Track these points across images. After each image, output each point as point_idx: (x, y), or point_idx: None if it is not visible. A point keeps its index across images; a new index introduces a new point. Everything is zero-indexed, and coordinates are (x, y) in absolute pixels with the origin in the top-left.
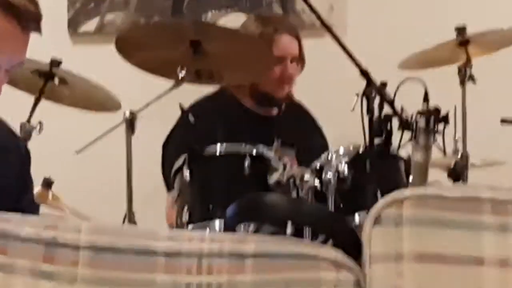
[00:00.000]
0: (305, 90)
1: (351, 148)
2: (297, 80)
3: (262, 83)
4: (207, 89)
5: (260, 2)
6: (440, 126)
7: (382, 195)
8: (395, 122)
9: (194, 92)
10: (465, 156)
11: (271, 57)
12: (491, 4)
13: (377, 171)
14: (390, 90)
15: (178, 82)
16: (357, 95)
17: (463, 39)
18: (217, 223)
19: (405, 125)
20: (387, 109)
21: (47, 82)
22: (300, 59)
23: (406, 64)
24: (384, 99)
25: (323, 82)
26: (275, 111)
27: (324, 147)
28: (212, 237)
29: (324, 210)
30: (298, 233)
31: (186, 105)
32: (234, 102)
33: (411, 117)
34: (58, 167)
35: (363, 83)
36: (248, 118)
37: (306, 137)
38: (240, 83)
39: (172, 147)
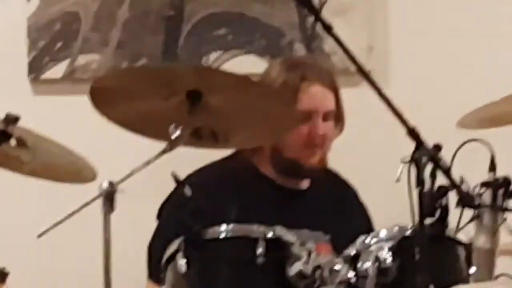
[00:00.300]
0: (335, 153)
1: (395, 230)
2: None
3: (286, 147)
4: (212, 154)
5: (277, 41)
6: (511, 202)
7: None
8: (452, 197)
9: (193, 158)
10: None
11: (294, 113)
12: None
13: (429, 259)
14: (446, 155)
15: (171, 145)
16: (404, 161)
17: None
18: None
19: (465, 200)
20: (442, 180)
21: (0, 144)
22: (338, 117)
23: (467, 122)
24: (438, 166)
25: (359, 144)
26: (304, 183)
27: (368, 231)
28: None
29: None
30: None
31: (183, 174)
32: (250, 170)
33: (474, 190)
34: (16, 255)
35: (411, 145)
36: (268, 191)
37: (345, 218)
38: (252, 146)
39: (162, 228)
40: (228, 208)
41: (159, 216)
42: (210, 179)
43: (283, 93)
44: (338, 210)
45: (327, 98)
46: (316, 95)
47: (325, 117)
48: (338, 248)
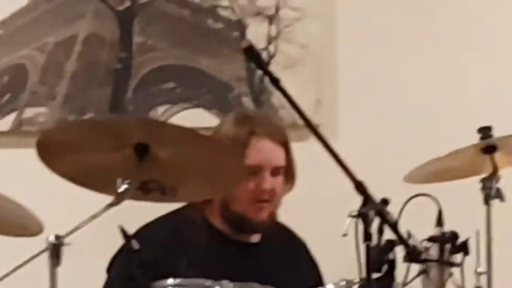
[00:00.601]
0: (283, 206)
1: (342, 284)
2: None
3: (234, 201)
4: (161, 208)
5: (225, 94)
6: (458, 257)
7: None
8: (399, 251)
9: (142, 211)
10: None
11: (242, 167)
12: None
13: None
14: (393, 210)
15: (118, 198)
16: (351, 215)
17: (488, 144)
18: None
19: (412, 255)
20: (389, 234)
21: None
22: (288, 172)
23: (414, 177)
24: (385, 221)
25: (307, 198)
26: (255, 237)
27: (318, 284)
28: None
29: None
30: None
31: (131, 227)
32: (201, 223)
33: (421, 245)
34: None
35: (358, 200)
36: (218, 244)
37: (295, 272)
38: (199, 199)
39: (111, 281)
40: (177, 262)
41: (109, 269)
42: (159, 232)
43: (231, 147)
44: (288, 264)
45: (277, 153)
46: (264, 150)
47: (274, 172)
48: None
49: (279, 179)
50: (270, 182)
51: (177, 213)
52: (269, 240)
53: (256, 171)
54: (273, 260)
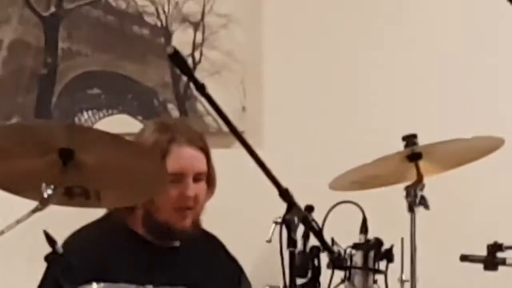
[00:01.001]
0: (207, 212)
1: None
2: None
3: (158, 210)
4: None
5: (150, 101)
6: (382, 264)
7: None
8: (324, 258)
9: (68, 216)
10: None
11: (164, 173)
12: (448, 109)
13: None
14: (318, 217)
15: (43, 203)
16: (275, 222)
17: (412, 151)
18: None
19: (336, 261)
20: (313, 241)
21: None
22: (209, 179)
23: (339, 184)
24: (309, 227)
25: (231, 204)
26: (176, 242)
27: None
28: None
29: None
30: None
31: (56, 232)
32: (124, 230)
33: (345, 252)
34: None
35: (283, 206)
36: (141, 250)
37: (216, 273)
38: (123, 205)
39: (41, 284)
40: (102, 267)
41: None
42: (85, 238)
43: (153, 153)
44: (210, 266)
45: (198, 160)
46: (185, 157)
47: (196, 179)
48: None
49: (202, 185)
50: (193, 188)
51: (102, 220)
52: (189, 243)
53: (178, 178)
54: (195, 263)
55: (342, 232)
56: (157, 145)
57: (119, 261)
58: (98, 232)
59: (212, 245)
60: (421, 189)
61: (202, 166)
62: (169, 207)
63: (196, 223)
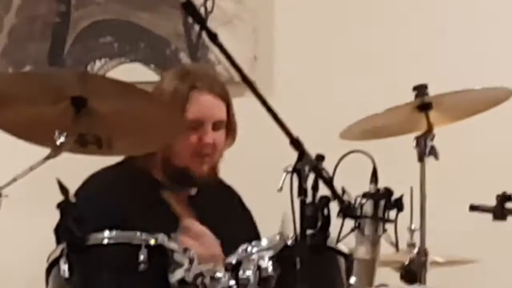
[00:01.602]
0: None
1: (276, 239)
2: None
3: (175, 155)
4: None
5: (162, 49)
6: (392, 213)
7: None
8: (334, 207)
9: (80, 164)
10: (423, 252)
11: (180, 121)
12: (459, 60)
13: (310, 269)
14: (328, 166)
15: (56, 151)
16: (286, 171)
17: (423, 102)
18: None
19: (346, 211)
20: (324, 190)
21: None
22: (229, 127)
23: (349, 134)
24: (320, 176)
25: (243, 153)
26: (193, 190)
27: (254, 233)
28: None
29: None
30: None
31: (68, 180)
32: (143, 175)
33: (355, 201)
34: None
35: (294, 155)
36: (158, 197)
37: (232, 222)
38: (135, 153)
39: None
40: (114, 214)
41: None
42: (99, 185)
43: (167, 102)
44: (226, 215)
45: (217, 108)
46: (205, 104)
47: (215, 127)
48: (227, 252)
49: (221, 133)
50: (211, 136)
51: (119, 166)
52: (206, 193)
53: (197, 125)
54: (212, 212)
55: (352, 182)
56: (177, 93)
57: (134, 207)
58: (113, 178)
59: (228, 195)
60: (431, 139)
61: (221, 114)
62: (187, 153)
63: (214, 171)
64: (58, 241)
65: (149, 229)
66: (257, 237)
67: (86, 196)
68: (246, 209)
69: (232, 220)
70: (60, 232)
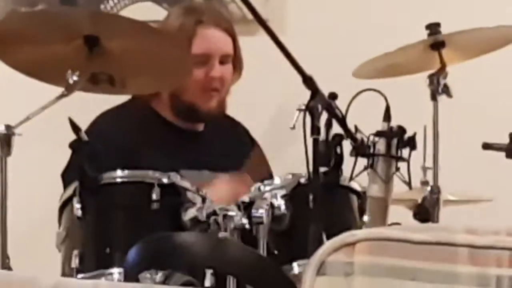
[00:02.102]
0: (233, 101)
1: (289, 177)
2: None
3: (184, 91)
4: (111, 100)
5: None
6: (405, 152)
7: (329, 238)
8: (346, 145)
9: (91, 102)
10: (436, 190)
11: (190, 58)
12: None
13: (323, 207)
14: (341, 104)
15: (69, 89)
16: (299, 109)
17: (436, 40)
18: (116, 272)
19: (359, 149)
20: (337, 128)
21: None
22: (236, 61)
23: (362, 72)
24: (333, 115)
25: (255, 92)
26: (200, 126)
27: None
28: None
29: (253, 256)
30: (219, 285)
31: (81, 119)
32: (150, 114)
33: (368, 139)
34: None
35: (306, 94)
36: (168, 134)
37: (241, 157)
38: (149, 92)
39: (66, 174)
40: (125, 152)
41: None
42: (108, 124)
43: (179, 39)
44: (233, 151)
45: (224, 42)
46: (212, 38)
47: (222, 61)
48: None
49: (228, 68)
50: (219, 70)
51: (126, 105)
52: (213, 127)
53: (204, 59)
54: (220, 147)
55: (365, 120)
56: (183, 28)
57: (144, 145)
58: (122, 117)
59: (236, 130)
60: (444, 78)
61: (228, 48)
62: (195, 88)
63: (222, 106)
64: (65, 186)
65: (159, 168)
66: (268, 173)
67: (97, 134)
68: (256, 144)
69: (239, 156)
70: (73, 171)
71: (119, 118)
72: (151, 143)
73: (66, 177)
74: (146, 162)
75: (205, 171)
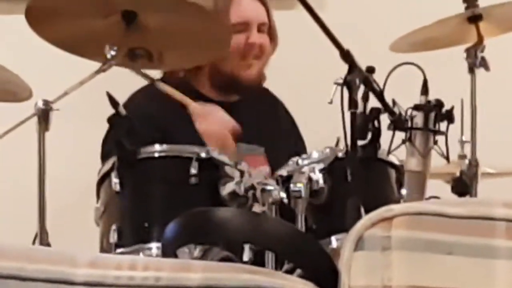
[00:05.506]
0: (270, 74)
1: (327, 151)
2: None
3: (223, 60)
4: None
5: None
6: (443, 125)
7: (367, 212)
8: (384, 119)
9: (129, 78)
10: (474, 163)
11: (228, 32)
12: None
13: (361, 181)
14: (379, 78)
15: (106, 64)
16: (337, 83)
17: (473, 13)
18: (154, 247)
19: (397, 123)
20: (374, 102)
21: None
22: (271, 32)
23: (399, 46)
24: (370, 89)
25: (293, 66)
26: (235, 97)
27: (297, 143)
28: (147, 263)
29: (291, 230)
30: (258, 260)
31: (119, 94)
32: (189, 90)
33: (406, 113)
34: None
35: (344, 68)
36: None
37: (277, 130)
38: (186, 66)
39: (104, 148)
40: (162, 127)
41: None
42: (146, 99)
43: (216, 11)
44: (270, 123)
45: (260, 10)
46: (248, 7)
47: (260, 29)
48: (271, 160)
49: (265, 37)
50: (257, 37)
51: (163, 80)
52: (250, 100)
53: (243, 28)
54: (255, 119)
55: (402, 94)
56: (218, 0)
57: (180, 120)
58: (159, 92)
59: (273, 104)
60: (482, 51)
61: (264, 16)
62: (235, 56)
63: (261, 77)
64: (103, 154)
65: (196, 142)
66: (303, 147)
67: (135, 109)
68: (291, 118)
69: (274, 129)
70: (111, 145)
71: (156, 93)
72: (187, 117)
73: (104, 152)
74: (182, 137)
75: (241, 143)
